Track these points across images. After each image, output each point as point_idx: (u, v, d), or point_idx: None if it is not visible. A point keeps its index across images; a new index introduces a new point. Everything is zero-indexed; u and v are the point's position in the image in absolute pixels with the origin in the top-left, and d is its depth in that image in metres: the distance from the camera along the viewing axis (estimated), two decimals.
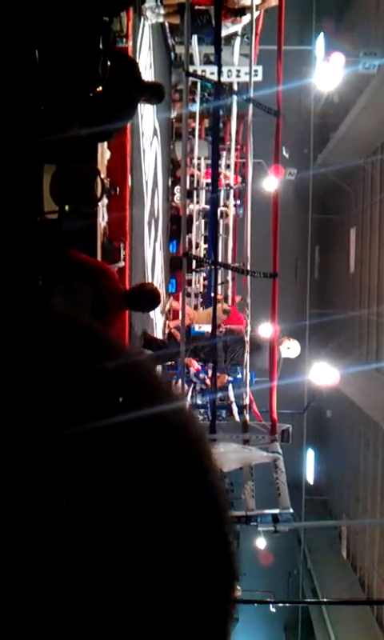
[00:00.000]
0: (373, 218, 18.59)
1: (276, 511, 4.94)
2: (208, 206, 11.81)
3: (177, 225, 8.90)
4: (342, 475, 20.77)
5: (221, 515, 0.45)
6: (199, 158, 10.88)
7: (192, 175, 9.80)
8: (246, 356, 5.78)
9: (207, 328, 7.84)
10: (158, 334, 8.09)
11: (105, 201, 4.41)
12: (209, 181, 11.23)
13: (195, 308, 9.31)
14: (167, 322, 8.74)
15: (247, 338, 5.71)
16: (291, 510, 4.96)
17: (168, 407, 0.45)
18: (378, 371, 16.20)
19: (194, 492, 0.43)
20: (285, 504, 4.93)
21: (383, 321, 17.15)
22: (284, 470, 5.18)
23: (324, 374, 10.45)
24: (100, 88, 3.76)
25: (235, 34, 10.23)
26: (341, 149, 18.87)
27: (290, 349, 6.82)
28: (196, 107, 10.54)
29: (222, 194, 11.73)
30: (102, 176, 4.33)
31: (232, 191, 12.04)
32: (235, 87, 9.71)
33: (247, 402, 6.14)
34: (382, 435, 14.98)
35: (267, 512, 4.93)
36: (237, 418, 6.39)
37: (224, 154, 12.69)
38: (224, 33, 8.09)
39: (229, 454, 5.12)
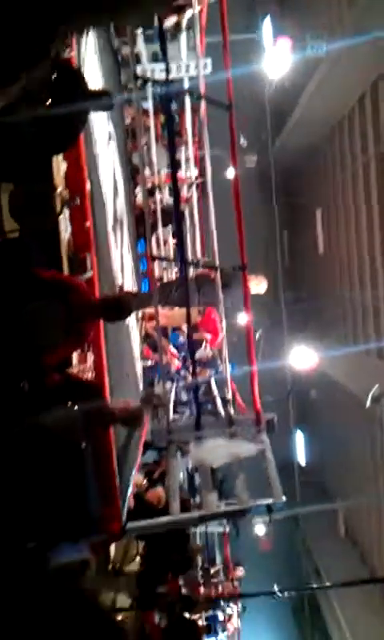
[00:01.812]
0: (335, 197, 18.72)
1: (269, 501, 5.01)
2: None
3: (142, 225, 8.92)
4: (333, 454, 20.99)
5: None
6: (159, 170, 10.88)
7: (153, 183, 9.79)
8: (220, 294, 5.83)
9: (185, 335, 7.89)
10: (136, 338, 8.11)
11: (66, 213, 4.42)
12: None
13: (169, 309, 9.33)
14: (144, 323, 8.78)
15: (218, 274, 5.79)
16: (284, 499, 5.02)
17: None
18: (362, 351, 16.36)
19: None
20: (277, 494, 5.00)
21: (357, 298, 17.32)
22: (273, 460, 5.24)
23: (303, 357, 10.57)
24: (48, 102, 3.77)
25: (180, 28, 10.23)
26: (297, 132, 18.97)
27: (258, 284, 6.88)
28: (149, 105, 10.52)
29: (185, 189, 11.74)
30: (60, 189, 4.33)
31: (194, 185, 12.04)
32: (186, 82, 9.70)
33: (230, 395, 6.20)
34: (367, 412, 15.13)
35: (260, 503, 5.00)
36: (221, 412, 6.44)
37: (182, 148, 12.68)
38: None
39: (217, 450, 5.17)
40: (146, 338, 8.97)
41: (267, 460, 5.19)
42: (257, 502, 4.97)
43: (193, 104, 10.70)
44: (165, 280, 11.14)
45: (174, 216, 7.67)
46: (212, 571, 13.43)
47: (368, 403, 12.13)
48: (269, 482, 5.10)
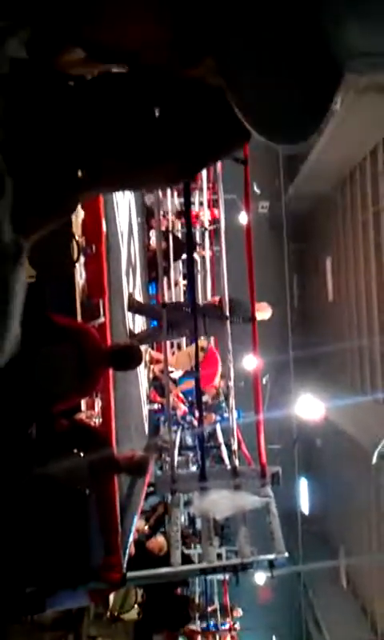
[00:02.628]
0: (346, 246, 18.86)
1: (272, 557, 4.94)
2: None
3: (154, 269, 9.00)
4: (337, 504, 20.70)
5: None
6: (172, 213, 11.02)
7: (166, 227, 9.90)
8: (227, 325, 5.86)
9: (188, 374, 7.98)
10: (144, 382, 8.11)
11: (82, 260, 4.48)
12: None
13: (172, 354, 9.36)
14: (152, 366, 8.78)
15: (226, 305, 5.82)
16: (286, 555, 4.95)
17: None
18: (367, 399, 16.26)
19: None
20: (280, 549, 4.93)
21: (365, 346, 17.28)
22: (277, 514, 5.18)
23: (310, 407, 10.51)
24: None
25: None
26: (310, 181, 19.19)
27: (262, 311, 6.90)
28: None
29: (197, 234, 11.86)
30: (77, 236, 4.40)
31: (207, 231, 12.18)
32: None
33: (235, 446, 6.16)
34: (373, 464, 14.96)
35: (262, 558, 4.93)
36: (227, 461, 6.39)
37: (196, 192, 12.86)
38: None
39: (221, 501, 5.12)
40: (154, 381, 8.97)
41: (271, 514, 5.14)
42: (259, 557, 4.90)
43: None
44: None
45: (187, 263, 7.74)
46: (209, 609, 13.23)
47: (374, 460, 11.99)
48: (272, 537, 5.04)
